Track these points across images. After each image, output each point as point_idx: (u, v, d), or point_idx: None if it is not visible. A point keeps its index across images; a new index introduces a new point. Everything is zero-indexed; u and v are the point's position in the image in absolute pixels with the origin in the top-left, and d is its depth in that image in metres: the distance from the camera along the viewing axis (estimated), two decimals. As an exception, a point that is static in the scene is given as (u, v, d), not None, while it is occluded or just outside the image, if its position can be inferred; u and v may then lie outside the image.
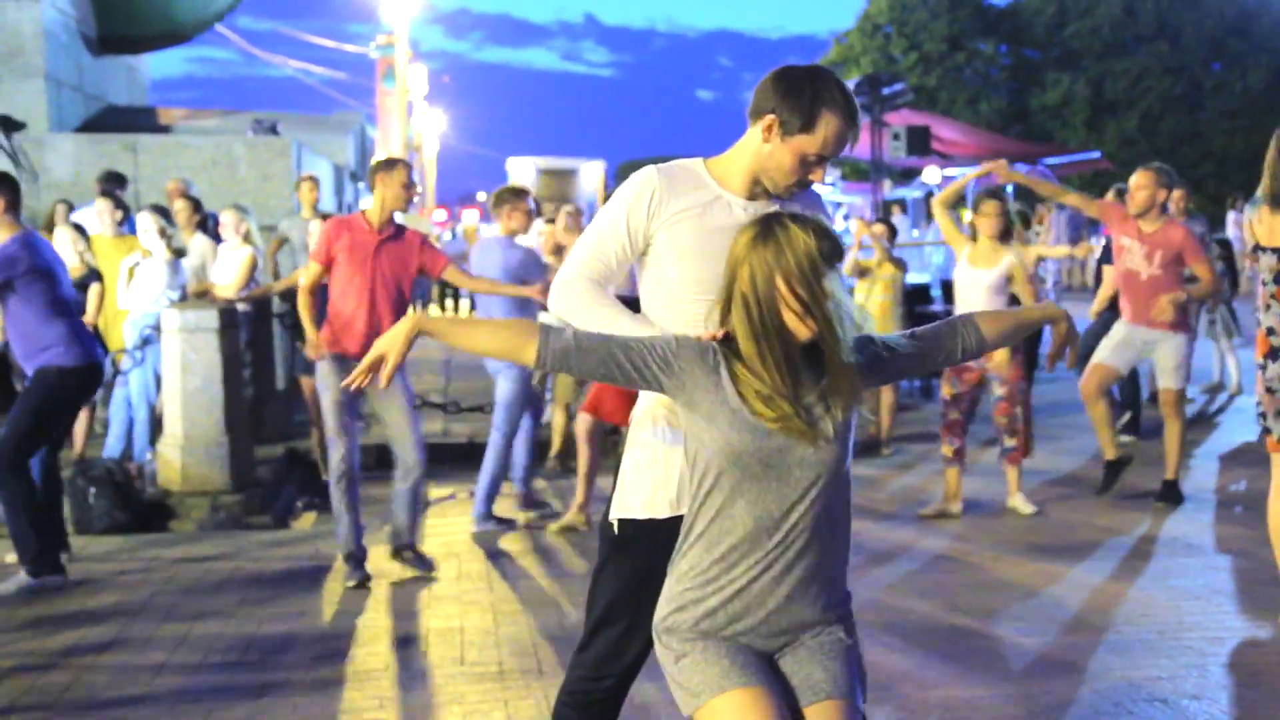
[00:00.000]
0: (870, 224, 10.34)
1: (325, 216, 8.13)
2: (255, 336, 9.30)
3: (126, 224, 8.80)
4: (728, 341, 2.48)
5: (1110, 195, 9.33)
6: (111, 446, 8.05)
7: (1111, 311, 8.68)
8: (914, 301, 11.43)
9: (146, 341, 7.97)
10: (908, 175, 29.03)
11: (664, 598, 2.56)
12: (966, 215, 23.73)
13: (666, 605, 2.54)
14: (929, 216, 24.67)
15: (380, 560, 6.25)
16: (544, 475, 8.53)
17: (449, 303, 22.38)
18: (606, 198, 8.34)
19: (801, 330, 2.42)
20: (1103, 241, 9.10)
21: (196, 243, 9.06)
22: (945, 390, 7.08)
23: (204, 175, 11.60)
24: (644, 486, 2.74)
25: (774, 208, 2.75)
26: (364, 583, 5.89)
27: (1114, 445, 7.36)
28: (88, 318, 7.85)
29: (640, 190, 2.74)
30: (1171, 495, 7.23)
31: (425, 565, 6.10)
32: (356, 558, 5.96)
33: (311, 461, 8.49)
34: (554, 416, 8.93)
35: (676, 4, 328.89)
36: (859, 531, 5.18)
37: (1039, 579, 5.79)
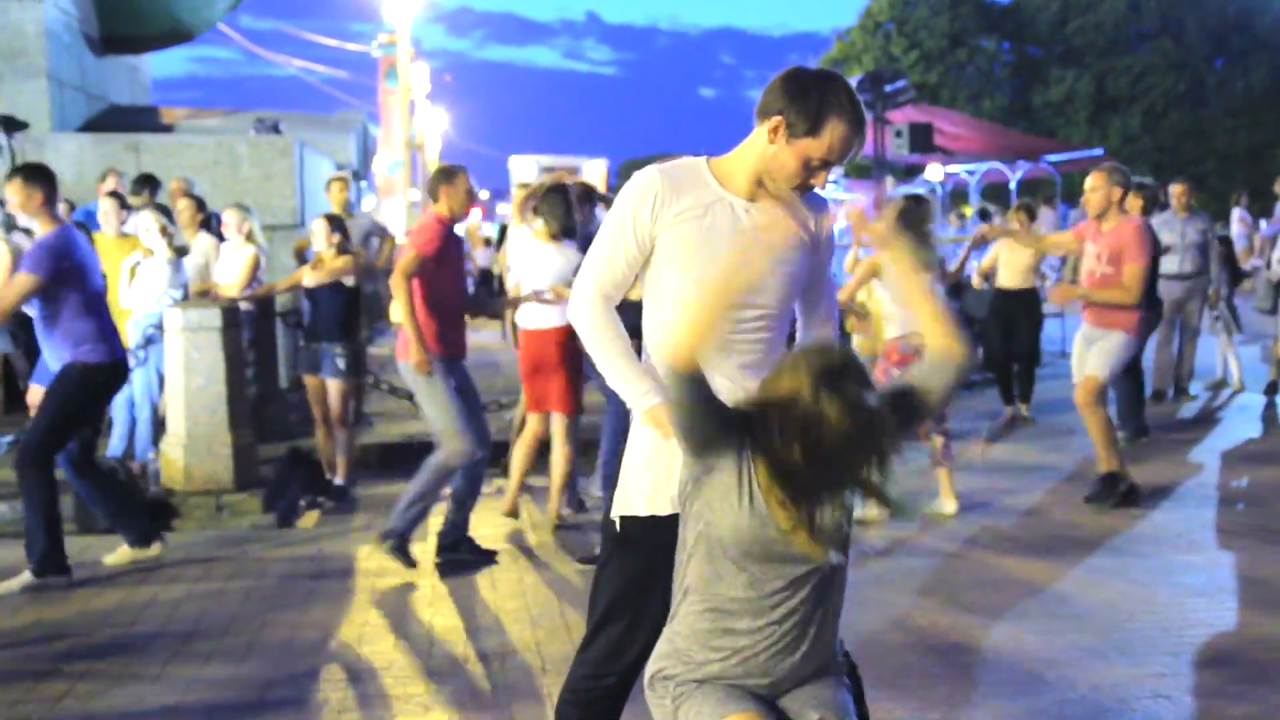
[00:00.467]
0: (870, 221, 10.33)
1: (335, 220, 8.11)
2: (258, 335, 9.30)
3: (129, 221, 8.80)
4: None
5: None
6: (115, 446, 8.05)
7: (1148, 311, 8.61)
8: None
9: (149, 341, 7.97)
10: (910, 173, 29.01)
11: (658, 652, 2.55)
12: (971, 211, 23.55)
13: (662, 659, 2.53)
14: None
15: (383, 559, 6.25)
16: (547, 473, 8.51)
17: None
18: (609, 197, 8.36)
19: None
20: None
21: (199, 242, 9.07)
22: None
23: (206, 174, 11.60)
24: (645, 483, 2.74)
25: (775, 209, 2.74)
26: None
27: (1111, 459, 7.08)
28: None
29: (643, 192, 2.74)
30: (1104, 494, 7.04)
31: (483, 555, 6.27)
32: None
33: (315, 460, 8.49)
34: None
35: (679, 2, 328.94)
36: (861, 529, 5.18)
37: (1042, 576, 5.78)
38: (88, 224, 8.65)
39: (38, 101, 12.58)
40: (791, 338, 2.94)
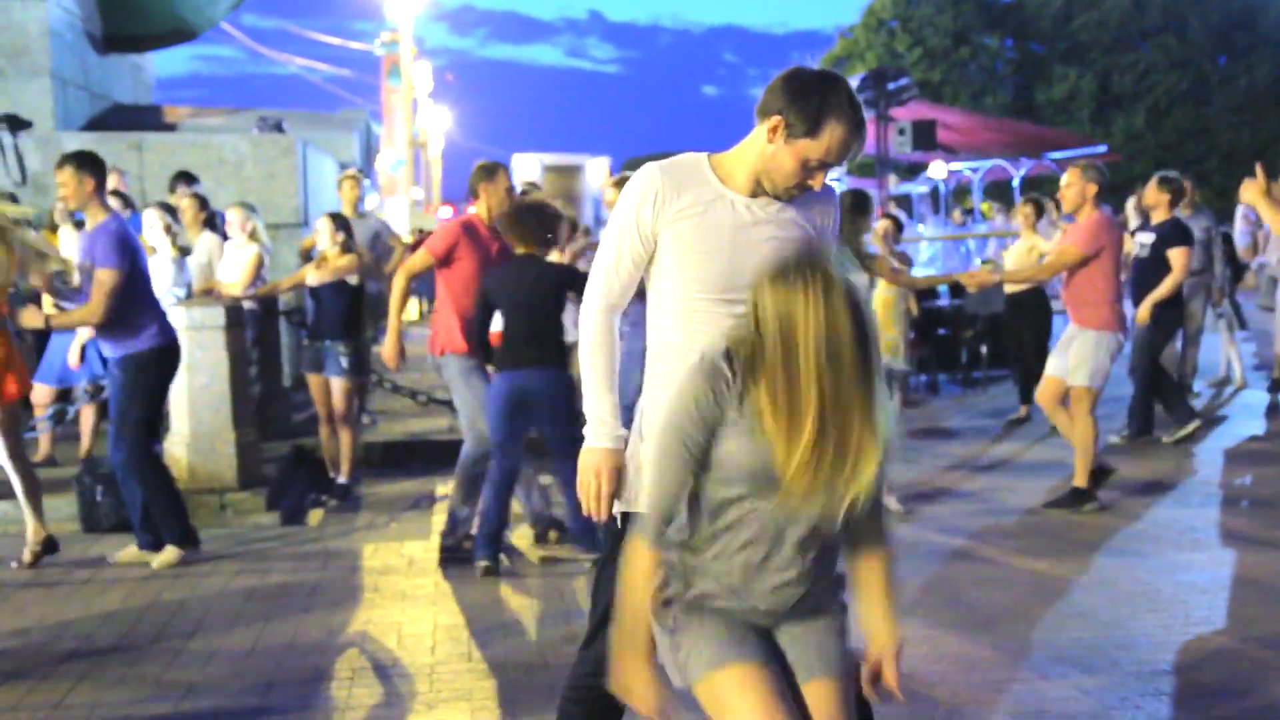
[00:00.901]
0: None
1: (339, 219, 8.11)
2: (262, 334, 9.30)
3: (132, 220, 8.81)
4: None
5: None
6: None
7: (1170, 308, 8.57)
8: (918, 298, 11.41)
9: (153, 339, 7.98)
10: (913, 170, 28.98)
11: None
12: (976, 209, 23.44)
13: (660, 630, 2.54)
14: (934, 211, 24.66)
15: (387, 557, 6.26)
16: (550, 471, 8.52)
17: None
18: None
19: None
20: (1138, 236, 8.89)
21: (203, 240, 9.07)
22: None
23: (210, 173, 11.61)
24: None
25: (776, 207, 2.75)
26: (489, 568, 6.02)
27: (1084, 473, 6.95)
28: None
29: (645, 190, 2.75)
30: (1070, 501, 6.93)
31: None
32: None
33: (319, 459, 8.50)
34: None
35: (682, 0, 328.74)
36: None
37: (1044, 574, 5.78)
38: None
39: (41, 100, 12.58)
40: None
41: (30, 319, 6.20)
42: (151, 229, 8.16)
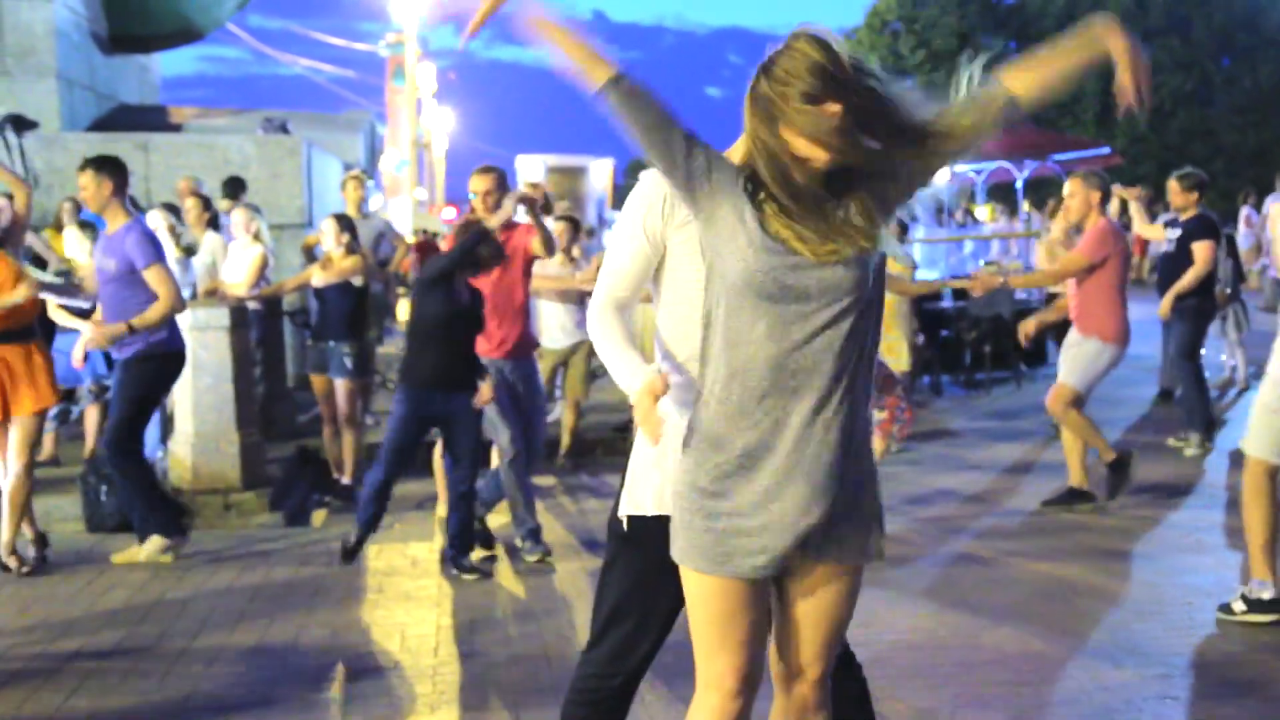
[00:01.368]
0: None
1: (344, 220, 8.12)
2: (266, 334, 9.32)
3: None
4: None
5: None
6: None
7: (1200, 298, 8.59)
8: (922, 299, 11.40)
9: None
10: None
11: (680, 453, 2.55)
12: (979, 211, 23.46)
13: (687, 451, 2.51)
14: (939, 213, 24.65)
15: (391, 558, 6.26)
16: (555, 473, 8.54)
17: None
18: (615, 195, 8.38)
19: (818, 155, 2.36)
20: (1169, 231, 8.91)
21: (208, 241, 9.09)
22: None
23: (214, 174, 11.62)
24: (653, 482, 2.74)
25: None
26: (545, 557, 6.16)
27: (1080, 472, 7.01)
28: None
29: (650, 195, 2.74)
30: (1066, 500, 6.98)
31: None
32: (532, 531, 6.21)
33: (323, 460, 8.50)
34: (564, 414, 8.95)
35: (685, 1, 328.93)
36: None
37: (1049, 576, 5.78)
38: (96, 224, 8.67)
39: (47, 101, 12.61)
40: None
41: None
42: (156, 230, 8.17)
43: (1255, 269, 14.56)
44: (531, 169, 24.71)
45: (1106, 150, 24.06)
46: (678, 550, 2.52)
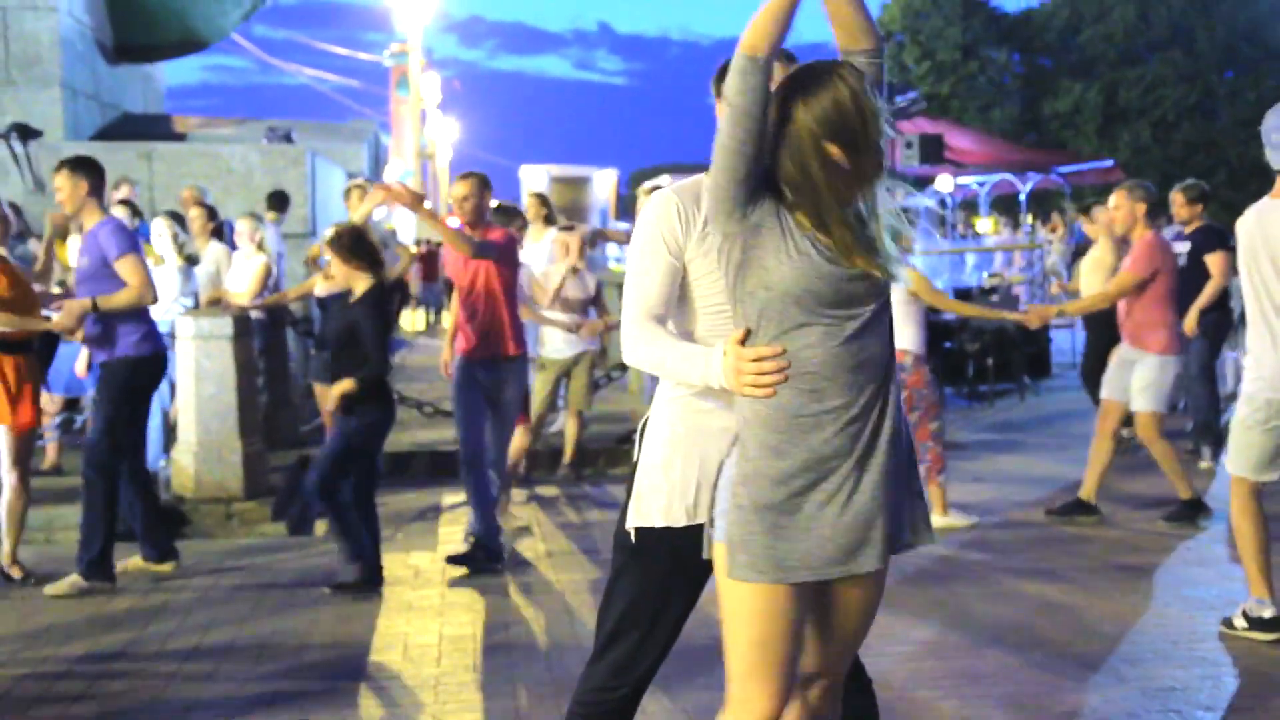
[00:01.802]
0: None
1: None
2: (269, 343, 9.33)
3: (140, 229, 8.85)
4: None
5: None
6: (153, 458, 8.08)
7: (1219, 312, 8.58)
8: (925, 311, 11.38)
9: (161, 348, 7.99)
10: (920, 183, 28.99)
11: (737, 460, 2.54)
12: (981, 223, 23.43)
13: (746, 463, 2.51)
14: (941, 225, 24.67)
15: (394, 568, 6.26)
16: (558, 483, 8.53)
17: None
18: (618, 206, 8.37)
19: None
20: (1176, 246, 8.90)
21: (211, 250, 9.11)
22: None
23: (218, 183, 11.65)
24: (661, 494, 2.72)
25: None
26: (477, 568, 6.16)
27: (1184, 485, 6.94)
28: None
29: (664, 210, 2.70)
30: (1184, 514, 6.94)
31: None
32: (484, 546, 6.22)
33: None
34: (566, 424, 8.95)
35: (690, 12, 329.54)
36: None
37: (1051, 588, 5.77)
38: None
39: (51, 110, 12.65)
40: None
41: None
42: (160, 238, 8.19)
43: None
44: (535, 179, 24.74)
45: (1109, 163, 24.09)
46: (740, 568, 2.50)
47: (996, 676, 4.61)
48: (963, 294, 12.44)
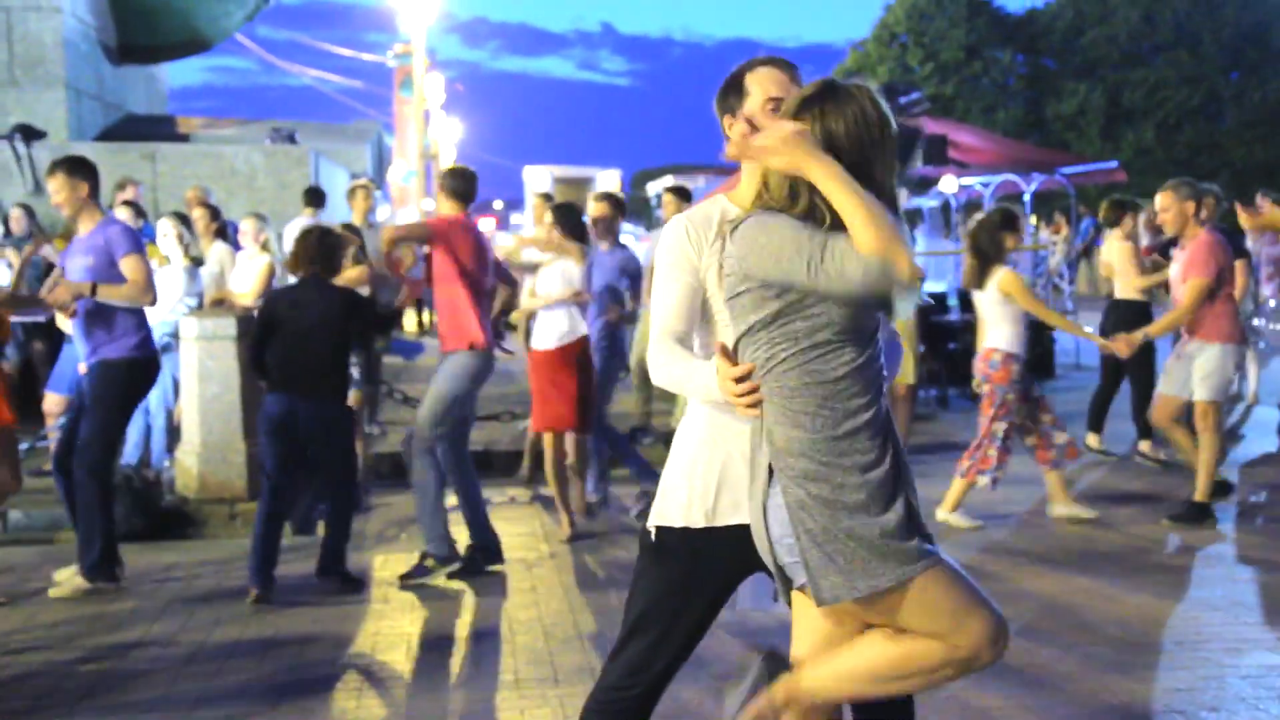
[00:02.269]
0: None
1: (352, 230, 8.14)
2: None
3: (145, 230, 8.86)
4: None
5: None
6: (129, 453, 8.08)
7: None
8: (929, 311, 11.39)
9: (164, 348, 7.99)
10: (924, 185, 28.95)
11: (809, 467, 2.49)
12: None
13: (808, 496, 2.48)
14: (946, 226, 24.67)
15: (398, 568, 6.25)
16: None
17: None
18: (621, 206, 8.32)
19: None
20: (1174, 254, 8.87)
21: (215, 250, 9.11)
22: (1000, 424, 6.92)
23: (222, 184, 11.66)
24: (682, 496, 2.76)
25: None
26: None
27: (1205, 488, 6.89)
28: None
29: (677, 235, 2.79)
30: (1190, 516, 6.90)
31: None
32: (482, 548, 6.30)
33: (328, 469, 8.50)
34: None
35: (693, 13, 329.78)
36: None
37: (1056, 588, 5.76)
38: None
39: (55, 110, 12.67)
40: None
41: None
42: (165, 238, 8.19)
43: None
44: (538, 180, 24.74)
45: (1113, 164, 24.07)
46: (867, 582, 2.45)
47: (1000, 678, 4.60)
48: (965, 295, 12.41)
